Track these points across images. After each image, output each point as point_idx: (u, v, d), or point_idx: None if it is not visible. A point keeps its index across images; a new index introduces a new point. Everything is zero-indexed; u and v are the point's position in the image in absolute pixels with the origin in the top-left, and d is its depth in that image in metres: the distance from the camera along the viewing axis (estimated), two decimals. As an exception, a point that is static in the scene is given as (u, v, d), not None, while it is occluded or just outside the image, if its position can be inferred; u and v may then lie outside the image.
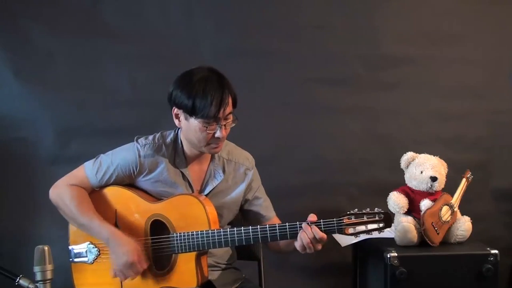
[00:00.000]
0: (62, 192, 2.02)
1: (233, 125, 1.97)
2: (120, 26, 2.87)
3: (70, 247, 2.07)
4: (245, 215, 2.19)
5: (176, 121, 1.98)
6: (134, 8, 2.89)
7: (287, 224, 1.90)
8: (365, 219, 1.85)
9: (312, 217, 1.88)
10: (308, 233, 1.84)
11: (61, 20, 2.85)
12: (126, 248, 1.91)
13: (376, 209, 1.86)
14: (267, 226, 1.91)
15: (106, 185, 2.05)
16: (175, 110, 1.96)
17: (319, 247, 1.88)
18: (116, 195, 2.04)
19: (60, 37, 2.85)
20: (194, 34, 2.91)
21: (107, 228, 1.95)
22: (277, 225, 1.90)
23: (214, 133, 1.92)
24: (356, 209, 1.86)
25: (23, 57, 2.84)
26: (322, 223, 1.85)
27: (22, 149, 2.85)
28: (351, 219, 1.85)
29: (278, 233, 1.89)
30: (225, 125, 1.93)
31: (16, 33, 2.83)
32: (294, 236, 1.88)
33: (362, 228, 1.85)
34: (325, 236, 1.85)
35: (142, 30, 2.89)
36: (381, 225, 1.85)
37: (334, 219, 1.85)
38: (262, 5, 2.93)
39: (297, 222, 1.88)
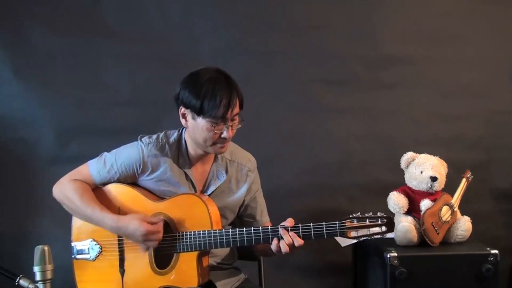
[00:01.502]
0: (65, 187, 2.03)
1: (239, 126, 1.98)
2: (120, 26, 2.87)
3: (72, 244, 2.07)
4: (239, 216, 2.19)
5: (182, 121, 1.99)
6: (134, 8, 2.89)
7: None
8: (367, 223, 1.84)
9: (290, 222, 1.88)
10: (286, 239, 1.85)
11: (61, 20, 2.85)
12: (133, 224, 1.92)
13: (378, 213, 1.86)
14: (269, 227, 1.91)
15: (109, 183, 2.05)
16: (182, 110, 1.96)
17: (295, 250, 1.88)
18: (119, 193, 2.04)
19: (60, 37, 2.85)
20: (194, 34, 2.91)
21: (110, 216, 1.96)
22: (279, 226, 1.89)
23: (221, 133, 1.93)
24: (359, 213, 1.86)
25: (23, 57, 2.84)
26: (300, 227, 1.85)
27: (22, 149, 2.85)
28: (353, 222, 1.84)
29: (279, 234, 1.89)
30: (231, 126, 1.94)
31: (16, 33, 2.83)
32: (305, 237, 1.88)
33: (364, 231, 1.84)
34: (302, 242, 1.85)
35: (142, 30, 2.89)
36: (383, 229, 1.84)
37: (337, 222, 1.85)
38: (262, 5, 2.93)
39: (299, 224, 1.87)
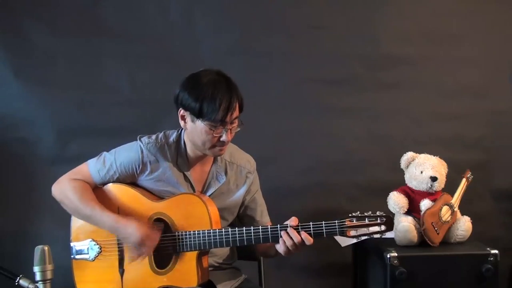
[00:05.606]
0: (64, 186, 2.03)
1: (238, 129, 1.98)
2: (120, 26, 2.87)
3: (71, 244, 2.07)
4: (239, 217, 2.19)
5: (181, 123, 1.98)
6: (134, 8, 2.89)
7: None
8: (366, 222, 1.85)
9: (294, 220, 1.87)
10: (294, 237, 1.84)
11: (61, 20, 2.85)
12: (132, 227, 1.91)
13: (378, 212, 1.86)
14: (269, 226, 1.91)
15: (109, 182, 2.05)
16: (181, 112, 1.96)
17: (302, 249, 1.88)
18: (118, 193, 2.04)
19: (60, 37, 2.85)
20: (194, 34, 2.91)
21: (109, 215, 1.96)
22: (278, 225, 1.90)
23: (220, 136, 1.92)
24: (358, 212, 1.86)
25: (23, 57, 2.84)
26: (311, 225, 1.85)
27: (22, 149, 2.85)
28: (353, 221, 1.85)
29: (279, 234, 1.89)
30: (230, 129, 1.94)
31: (16, 33, 2.83)
32: None
33: (363, 230, 1.85)
34: (312, 239, 1.85)
35: (142, 30, 2.89)
36: (382, 228, 1.85)
37: (336, 221, 1.85)
38: (262, 5, 2.93)
39: (299, 223, 1.88)
